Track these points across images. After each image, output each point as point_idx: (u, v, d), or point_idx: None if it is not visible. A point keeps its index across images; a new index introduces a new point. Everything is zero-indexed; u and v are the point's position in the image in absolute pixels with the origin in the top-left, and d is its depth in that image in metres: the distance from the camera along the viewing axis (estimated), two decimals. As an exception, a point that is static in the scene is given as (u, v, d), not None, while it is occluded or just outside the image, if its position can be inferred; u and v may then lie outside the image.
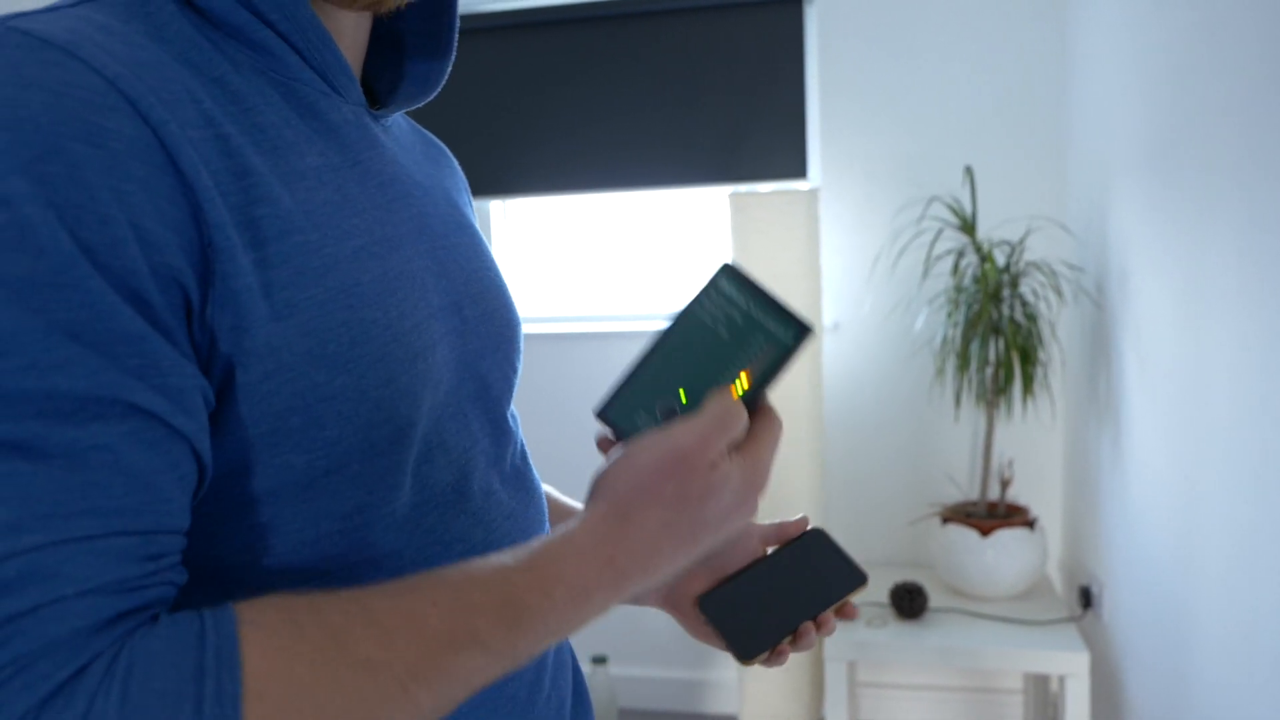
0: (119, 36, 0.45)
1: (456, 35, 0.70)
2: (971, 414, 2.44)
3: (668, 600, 0.74)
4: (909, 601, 2.01)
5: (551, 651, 0.65)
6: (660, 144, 2.57)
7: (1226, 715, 1.33)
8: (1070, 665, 1.86)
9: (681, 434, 0.53)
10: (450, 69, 0.66)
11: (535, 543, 0.51)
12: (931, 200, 2.29)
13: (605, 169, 2.61)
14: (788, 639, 0.65)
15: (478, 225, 0.71)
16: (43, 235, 0.39)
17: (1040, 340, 2.05)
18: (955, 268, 2.09)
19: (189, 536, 0.48)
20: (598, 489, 0.54)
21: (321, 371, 0.47)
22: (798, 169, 2.50)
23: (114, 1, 0.48)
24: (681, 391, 0.57)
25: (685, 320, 0.59)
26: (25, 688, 0.36)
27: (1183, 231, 1.49)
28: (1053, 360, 2.38)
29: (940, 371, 2.17)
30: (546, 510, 0.69)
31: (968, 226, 2.06)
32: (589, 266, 2.74)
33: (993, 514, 2.12)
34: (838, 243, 2.45)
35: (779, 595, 0.67)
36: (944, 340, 2.13)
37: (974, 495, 2.44)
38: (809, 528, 0.71)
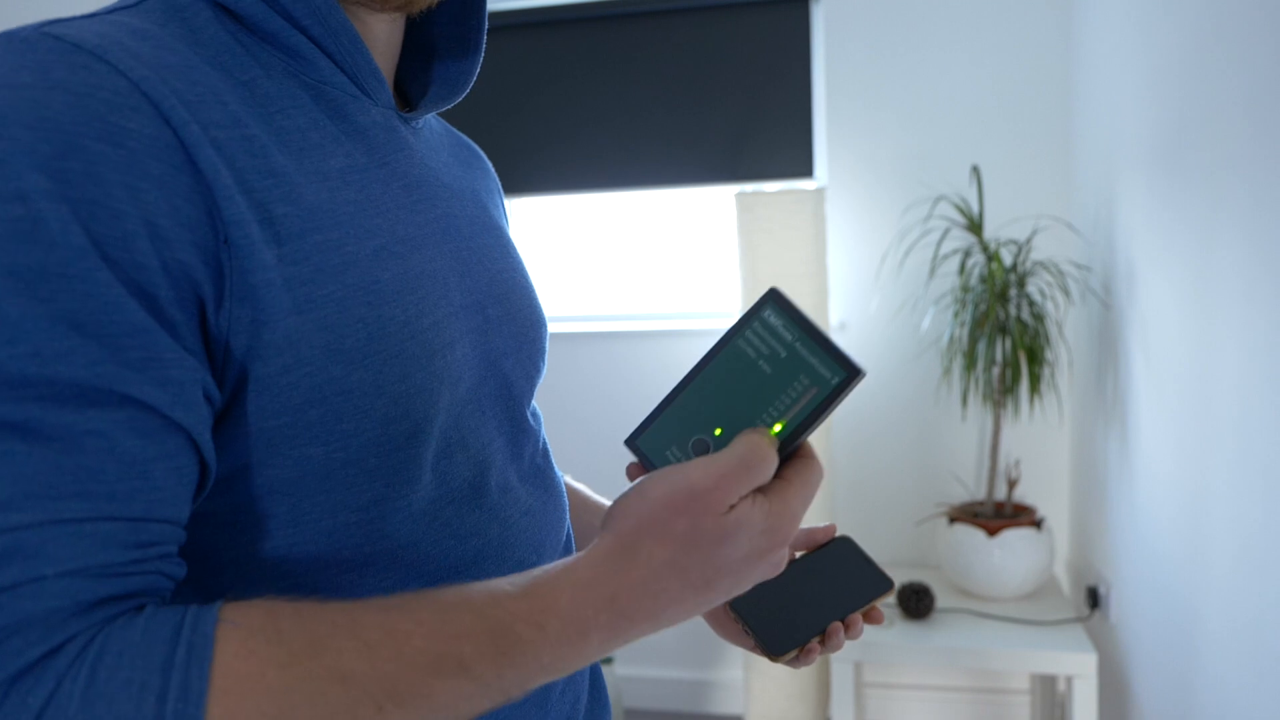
0: (151, 40, 0.47)
1: (485, 35, 0.71)
2: (978, 414, 2.43)
3: None
4: (916, 602, 2.01)
5: None
6: (666, 143, 2.57)
7: (1234, 716, 1.33)
8: (1077, 666, 1.86)
9: (699, 470, 0.49)
10: (478, 69, 0.67)
11: (536, 570, 0.49)
12: (938, 199, 2.29)
13: (611, 168, 2.61)
14: (816, 639, 0.67)
15: (508, 227, 0.72)
16: (55, 229, 0.40)
17: (1047, 340, 2.05)
18: (962, 267, 2.09)
19: (207, 528, 0.49)
20: (609, 520, 0.51)
21: (339, 366, 0.48)
22: (804, 168, 2.50)
23: (153, 7, 0.50)
24: (717, 430, 0.54)
25: (726, 350, 0.56)
26: None
27: (1190, 230, 1.48)
28: (1060, 360, 2.38)
29: (947, 371, 2.17)
30: (567, 509, 0.70)
31: (974, 226, 2.06)
32: (594, 266, 2.74)
33: (1000, 514, 2.11)
34: (844, 242, 2.45)
35: (808, 597, 0.68)
36: (951, 340, 2.13)
37: (981, 495, 2.44)
38: (837, 535, 0.73)
